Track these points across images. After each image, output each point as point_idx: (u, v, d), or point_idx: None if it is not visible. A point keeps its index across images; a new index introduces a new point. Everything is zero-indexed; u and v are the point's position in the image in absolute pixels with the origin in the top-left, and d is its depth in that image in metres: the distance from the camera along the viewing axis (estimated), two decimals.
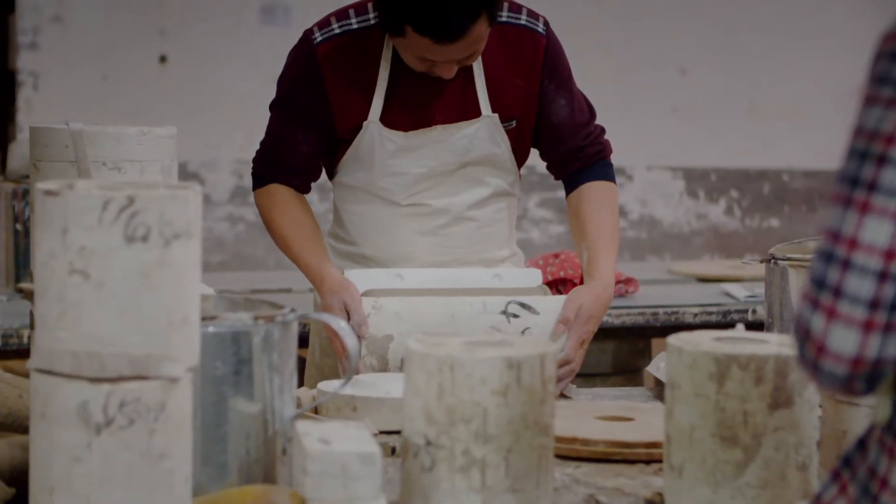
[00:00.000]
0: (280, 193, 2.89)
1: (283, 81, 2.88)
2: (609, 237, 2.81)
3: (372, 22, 2.79)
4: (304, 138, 2.87)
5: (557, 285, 4.12)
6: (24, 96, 5.63)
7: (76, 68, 5.65)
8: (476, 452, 1.70)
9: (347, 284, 2.69)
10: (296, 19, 5.90)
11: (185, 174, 5.59)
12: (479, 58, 2.79)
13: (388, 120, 2.81)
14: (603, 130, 2.96)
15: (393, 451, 2.15)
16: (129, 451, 1.55)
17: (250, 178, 3.00)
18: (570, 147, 2.90)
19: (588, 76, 5.61)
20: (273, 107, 2.91)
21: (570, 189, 2.93)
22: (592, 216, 2.84)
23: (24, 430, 1.99)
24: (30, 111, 5.62)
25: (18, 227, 3.88)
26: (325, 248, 2.88)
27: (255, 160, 2.93)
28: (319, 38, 2.81)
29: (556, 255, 4.16)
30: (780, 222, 6.40)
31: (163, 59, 5.77)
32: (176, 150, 2.24)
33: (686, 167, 6.24)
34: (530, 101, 2.86)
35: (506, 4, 2.84)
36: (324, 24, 2.83)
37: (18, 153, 4.04)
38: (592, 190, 2.88)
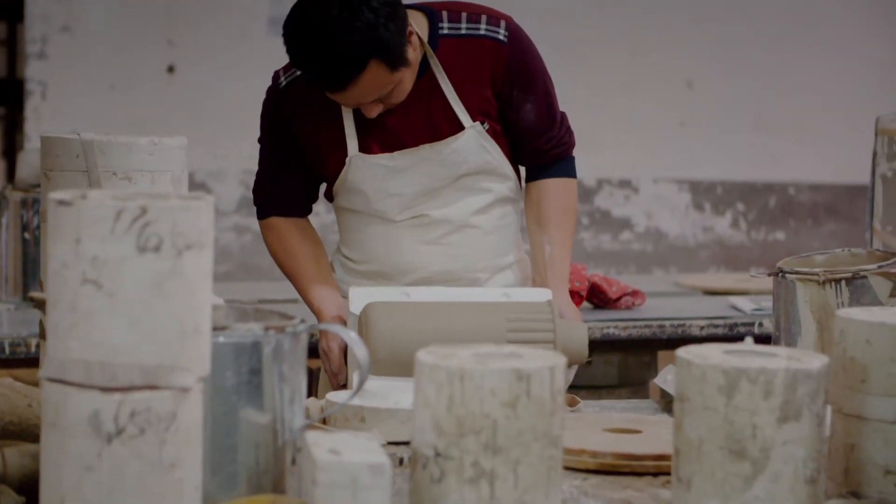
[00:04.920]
0: (279, 229, 2.98)
1: (261, 124, 2.95)
2: (566, 245, 2.94)
3: None
4: (288, 175, 2.94)
5: None
6: (32, 105, 5.64)
7: (84, 78, 5.66)
8: (485, 464, 1.70)
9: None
10: None
11: (193, 184, 5.59)
12: (445, 75, 2.80)
13: (368, 149, 2.83)
14: (568, 129, 2.98)
15: (401, 461, 2.15)
16: (139, 460, 1.55)
17: None
18: (532, 148, 2.94)
19: (595, 89, 5.63)
20: (259, 142, 2.98)
21: (530, 178, 3.00)
22: (552, 216, 2.93)
23: (35, 438, 1.99)
24: (38, 120, 5.62)
25: (27, 236, 3.88)
26: (327, 276, 2.94)
27: (253, 191, 3.02)
28: (284, 82, 2.86)
29: None
30: (785, 235, 6.40)
31: (170, 68, 5.77)
32: (186, 161, 2.24)
33: (692, 180, 6.24)
34: (496, 106, 2.88)
35: (464, 15, 2.84)
36: (289, 66, 2.85)
37: (27, 162, 4.04)
38: (552, 187, 2.96)
